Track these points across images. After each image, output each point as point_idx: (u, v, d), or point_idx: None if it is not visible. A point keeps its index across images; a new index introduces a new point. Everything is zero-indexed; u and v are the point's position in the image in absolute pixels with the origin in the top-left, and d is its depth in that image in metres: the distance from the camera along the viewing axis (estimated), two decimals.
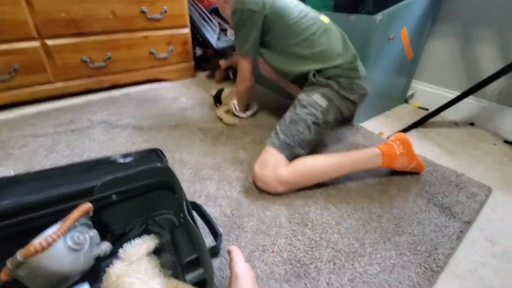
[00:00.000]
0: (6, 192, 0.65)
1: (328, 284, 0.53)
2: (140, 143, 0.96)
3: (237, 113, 1.16)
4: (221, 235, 0.48)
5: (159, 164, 0.66)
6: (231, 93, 1.22)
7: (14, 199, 0.55)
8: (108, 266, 0.50)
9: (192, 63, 1.62)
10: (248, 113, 1.18)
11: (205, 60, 1.76)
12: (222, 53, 1.83)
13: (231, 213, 0.69)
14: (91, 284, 0.49)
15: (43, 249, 0.40)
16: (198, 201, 0.72)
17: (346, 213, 0.70)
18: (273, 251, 0.59)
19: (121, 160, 0.82)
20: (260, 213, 0.69)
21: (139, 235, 0.59)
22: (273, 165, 0.74)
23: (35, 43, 1.11)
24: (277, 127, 0.82)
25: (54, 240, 0.42)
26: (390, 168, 0.84)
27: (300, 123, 0.80)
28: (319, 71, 0.87)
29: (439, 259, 0.59)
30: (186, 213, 0.50)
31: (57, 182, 0.68)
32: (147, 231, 0.61)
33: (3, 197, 0.62)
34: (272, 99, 1.34)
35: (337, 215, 0.69)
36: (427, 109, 1.33)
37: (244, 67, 1.00)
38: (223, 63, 1.59)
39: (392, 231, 0.65)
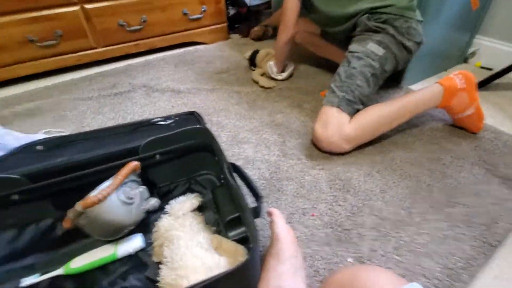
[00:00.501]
0: (61, 150, 0.70)
1: (371, 250, 0.51)
2: (179, 107, 0.97)
3: (273, 76, 1.11)
4: (262, 196, 0.48)
5: (198, 126, 0.67)
6: (267, 55, 1.16)
7: (68, 157, 0.59)
8: (156, 219, 0.53)
9: (226, 24, 1.55)
10: (285, 74, 1.12)
11: (238, 20, 1.67)
12: (256, 12, 1.72)
13: (270, 176, 0.68)
14: (143, 234, 0.53)
15: (99, 201, 0.43)
16: (237, 163, 0.73)
17: (392, 180, 0.66)
18: (313, 215, 0.58)
19: (162, 122, 0.84)
20: (299, 177, 0.68)
21: (183, 193, 0.62)
22: (336, 124, 0.71)
23: (75, 8, 1.13)
24: (332, 85, 0.78)
25: (109, 193, 0.44)
26: (445, 108, 0.79)
27: (357, 76, 0.75)
28: (373, 12, 0.79)
29: (499, 233, 0.54)
30: (227, 174, 0.50)
31: (104, 142, 0.72)
32: (190, 190, 0.63)
33: (58, 154, 0.67)
34: (309, 60, 1.25)
35: (381, 183, 0.66)
36: (491, 69, 1.15)
37: (290, 8, 0.90)
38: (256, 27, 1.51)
39: (444, 202, 0.61)
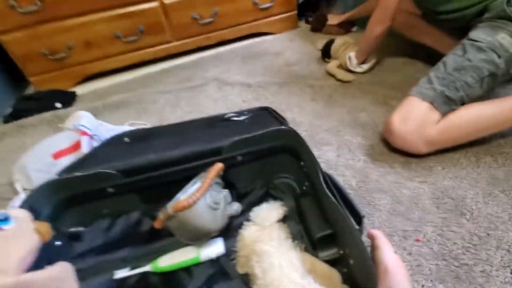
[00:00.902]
0: (146, 142, 0.73)
1: None
2: (250, 101, 0.94)
3: (351, 68, 0.99)
4: (364, 216, 0.41)
5: (283, 126, 0.61)
6: (344, 45, 1.05)
7: (155, 154, 0.60)
8: (238, 225, 0.50)
9: (295, 12, 1.46)
10: (366, 66, 0.99)
11: (309, 8, 1.56)
12: None
13: (357, 186, 0.60)
14: (223, 239, 0.51)
15: (190, 205, 0.42)
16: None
17: None
18: (418, 240, 0.48)
19: (236, 118, 0.82)
20: (395, 190, 0.58)
21: (262, 197, 0.58)
22: (421, 121, 0.60)
23: (155, 3, 1.17)
24: (432, 74, 0.65)
25: (198, 198, 0.42)
26: None
27: (470, 72, 0.60)
28: None
29: None
30: (322, 183, 0.44)
31: (184, 137, 0.73)
32: (268, 194, 0.59)
33: (144, 147, 0.70)
34: (393, 49, 1.09)
35: (510, 207, 0.52)
36: None
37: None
38: (333, 18, 1.36)
39: None
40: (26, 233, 0.36)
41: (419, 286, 0.43)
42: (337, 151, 0.70)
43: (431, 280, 0.43)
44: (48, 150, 0.70)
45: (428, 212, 0.53)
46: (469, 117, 0.61)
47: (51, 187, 0.51)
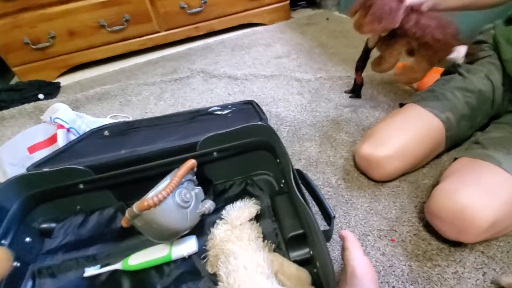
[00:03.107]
0: (125, 137, 0.72)
1: None
2: (236, 94, 0.92)
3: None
4: (334, 217, 0.39)
5: (260, 122, 0.60)
6: None
7: (130, 148, 0.59)
8: (212, 222, 0.49)
9: (288, 2, 1.42)
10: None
11: None
12: None
13: (336, 184, 0.59)
14: (197, 237, 0.50)
15: (155, 205, 0.40)
16: (298, 165, 0.65)
17: None
18: (392, 240, 0.48)
19: (219, 112, 0.80)
20: (374, 188, 0.57)
21: (239, 194, 0.57)
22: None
23: None
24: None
25: (164, 197, 0.41)
26: None
27: None
28: None
29: None
30: (293, 183, 0.43)
31: (165, 132, 0.71)
32: (246, 191, 0.58)
33: (122, 142, 0.68)
34: None
35: None
36: None
37: None
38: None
39: None
40: None
41: (390, 287, 0.42)
42: (320, 148, 0.68)
43: (402, 282, 0.42)
44: (23, 144, 0.68)
45: (406, 212, 0.52)
46: None
47: (19, 182, 0.50)
